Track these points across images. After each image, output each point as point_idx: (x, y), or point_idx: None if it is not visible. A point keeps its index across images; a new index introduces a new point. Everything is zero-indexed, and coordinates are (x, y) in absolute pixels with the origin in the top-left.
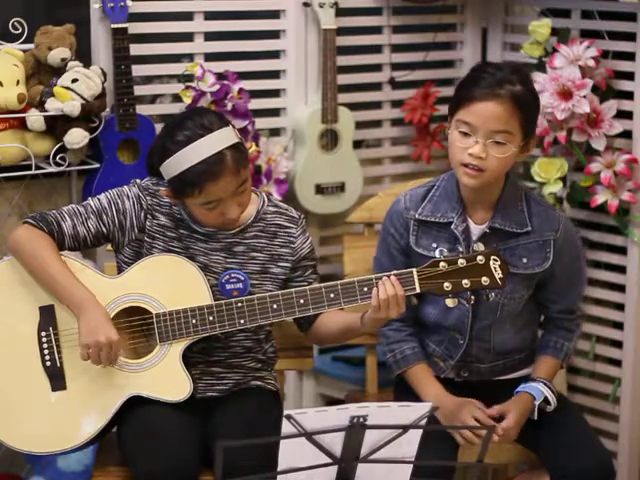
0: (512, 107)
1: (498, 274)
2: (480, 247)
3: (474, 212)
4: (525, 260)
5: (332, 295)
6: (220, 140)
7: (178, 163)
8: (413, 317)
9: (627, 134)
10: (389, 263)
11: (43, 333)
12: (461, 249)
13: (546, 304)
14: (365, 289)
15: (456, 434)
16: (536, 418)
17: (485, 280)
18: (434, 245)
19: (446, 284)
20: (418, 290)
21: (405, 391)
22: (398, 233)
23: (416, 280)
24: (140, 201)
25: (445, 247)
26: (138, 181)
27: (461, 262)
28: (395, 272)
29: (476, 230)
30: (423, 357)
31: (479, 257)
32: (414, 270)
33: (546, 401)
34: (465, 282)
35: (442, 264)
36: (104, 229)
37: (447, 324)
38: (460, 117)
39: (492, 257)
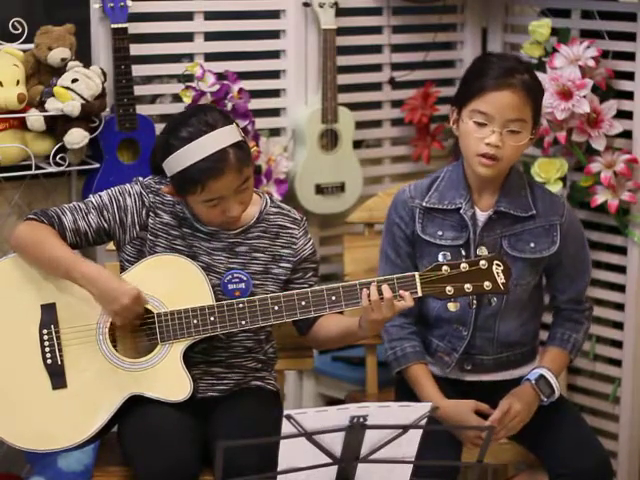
0: (525, 95)
1: (501, 279)
2: (484, 251)
3: (480, 199)
4: (533, 245)
5: (334, 297)
6: (223, 138)
7: (181, 159)
8: (416, 313)
9: (627, 134)
10: (394, 254)
11: (44, 331)
12: (466, 236)
13: (554, 294)
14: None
15: (458, 435)
16: (545, 400)
17: (487, 285)
18: (440, 233)
19: (448, 288)
20: (420, 294)
21: (406, 391)
22: (404, 222)
23: (418, 284)
24: (142, 198)
25: (451, 234)
26: (140, 179)
27: (464, 266)
28: (398, 275)
29: (482, 217)
30: (423, 357)
31: (482, 262)
32: (416, 274)
33: (549, 386)
34: (467, 286)
35: (444, 268)
36: (105, 225)
37: (450, 317)
38: (475, 107)
39: (495, 262)
